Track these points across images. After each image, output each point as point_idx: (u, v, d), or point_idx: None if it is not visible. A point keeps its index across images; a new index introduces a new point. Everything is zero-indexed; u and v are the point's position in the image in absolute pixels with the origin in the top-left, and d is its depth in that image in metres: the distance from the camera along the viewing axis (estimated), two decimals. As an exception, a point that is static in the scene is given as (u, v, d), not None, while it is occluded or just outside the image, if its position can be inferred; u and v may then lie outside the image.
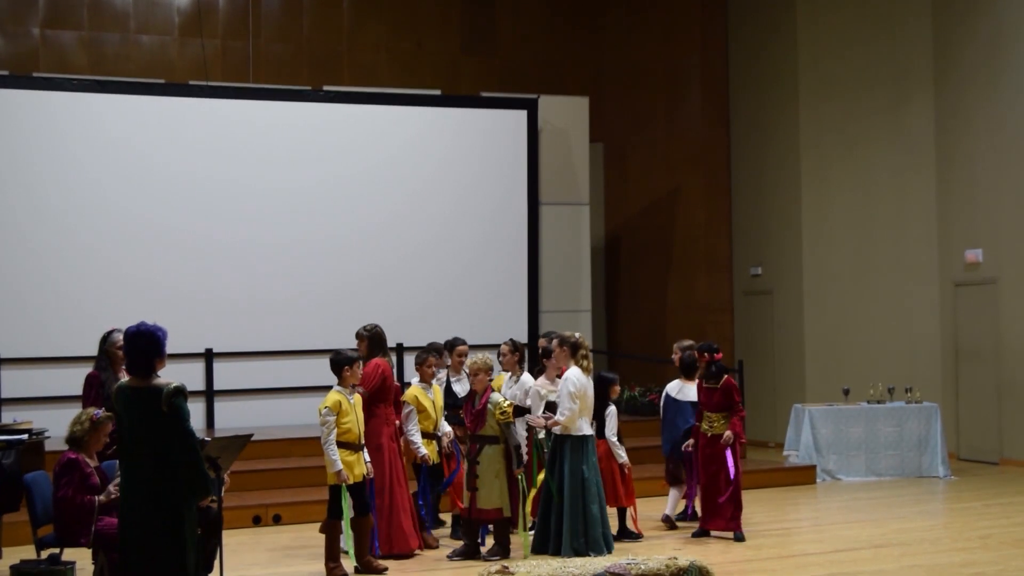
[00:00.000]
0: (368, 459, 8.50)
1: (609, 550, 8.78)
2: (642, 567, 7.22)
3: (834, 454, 13.22)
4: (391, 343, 12.99)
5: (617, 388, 9.78)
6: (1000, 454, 14.01)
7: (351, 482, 8.23)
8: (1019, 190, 13.89)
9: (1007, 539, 9.54)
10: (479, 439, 8.73)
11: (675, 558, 7.42)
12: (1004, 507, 11.23)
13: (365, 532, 8.44)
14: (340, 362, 8.36)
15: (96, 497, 7.24)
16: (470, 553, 8.79)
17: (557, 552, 8.68)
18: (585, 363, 8.92)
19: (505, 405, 8.73)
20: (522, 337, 13.55)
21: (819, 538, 9.82)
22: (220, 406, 13.30)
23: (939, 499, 12.12)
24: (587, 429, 8.88)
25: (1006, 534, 9.77)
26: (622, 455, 9.49)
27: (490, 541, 8.98)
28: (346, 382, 8.36)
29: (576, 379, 8.78)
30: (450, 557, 8.84)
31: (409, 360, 13.05)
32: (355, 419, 8.33)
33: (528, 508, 8.89)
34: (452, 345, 9.87)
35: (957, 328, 14.82)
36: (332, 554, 8.27)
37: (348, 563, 8.38)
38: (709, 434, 9.71)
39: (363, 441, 8.44)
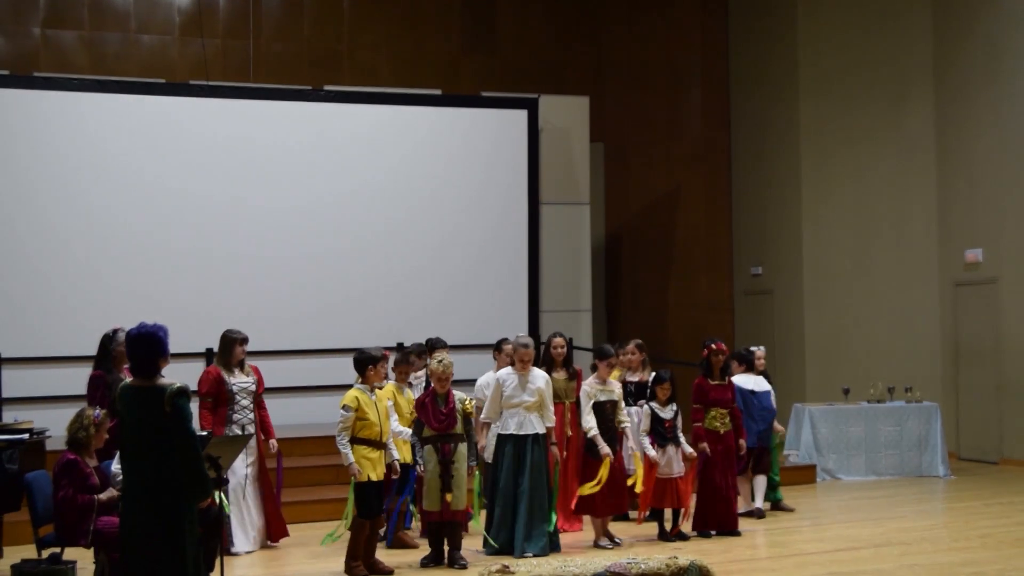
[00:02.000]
0: (397, 456, 8.55)
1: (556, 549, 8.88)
2: (642, 566, 7.22)
3: (834, 453, 13.23)
4: (391, 343, 13.08)
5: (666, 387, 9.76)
6: (1000, 454, 14.02)
7: (375, 479, 8.21)
8: (1020, 189, 13.89)
9: (1007, 538, 9.55)
10: (452, 438, 8.56)
11: (675, 557, 7.43)
12: (1004, 507, 11.24)
13: (375, 532, 8.41)
14: (364, 360, 8.29)
15: (96, 496, 7.24)
16: (440, 559, 8.58)
17: (514, 549, 8.70)
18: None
19: (468, 402, 8.70)
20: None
21: (819, 537, 9.83)
22: (220, 406, 13.27)
23: (939, 498, 12.12)
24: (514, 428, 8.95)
25: (1006, 533, 9.78)
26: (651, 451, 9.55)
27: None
28: (369, 380, 8.29)
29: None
30: (423, 563, 8.60)
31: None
32: (377, 416, 8.27)
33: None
34: (433, 346, 9.78)
35: (957, 327, 14.82)
36: (354, 552, 8.21)
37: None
38: (723, 431, 9.77)
39: (386, 439, 8.38)
